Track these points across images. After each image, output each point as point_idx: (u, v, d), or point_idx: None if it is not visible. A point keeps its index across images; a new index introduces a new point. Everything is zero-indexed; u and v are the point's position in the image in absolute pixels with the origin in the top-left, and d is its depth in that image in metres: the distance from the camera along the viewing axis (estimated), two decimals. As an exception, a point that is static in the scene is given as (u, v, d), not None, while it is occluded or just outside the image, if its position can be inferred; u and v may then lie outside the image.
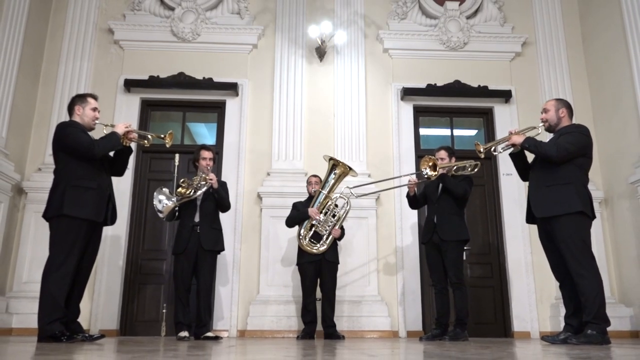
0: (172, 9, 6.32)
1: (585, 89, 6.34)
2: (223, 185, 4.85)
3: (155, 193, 4.58)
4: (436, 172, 4.47)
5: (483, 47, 6.42)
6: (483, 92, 6.21)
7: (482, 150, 4.01)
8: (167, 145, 4.09)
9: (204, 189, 4.56)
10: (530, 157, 3.99)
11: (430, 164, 4.50)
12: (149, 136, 4.09)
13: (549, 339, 3.72)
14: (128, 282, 5.60)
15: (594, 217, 3.78)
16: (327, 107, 6.17)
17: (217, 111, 6.26)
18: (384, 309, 5.49)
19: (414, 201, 4.93)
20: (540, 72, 6.36)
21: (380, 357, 2.34)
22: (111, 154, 3.96)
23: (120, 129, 3.84)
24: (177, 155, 5.54)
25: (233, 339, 4.80)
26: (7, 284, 5.38)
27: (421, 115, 6.38)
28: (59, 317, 3.47)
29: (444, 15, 6.46)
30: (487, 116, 6.38)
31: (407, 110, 6.22)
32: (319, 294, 4.96)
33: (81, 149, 3.66)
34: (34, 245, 5.37)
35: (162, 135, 4.06)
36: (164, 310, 5.46)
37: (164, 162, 5.99)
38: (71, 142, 3.68)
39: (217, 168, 5.71)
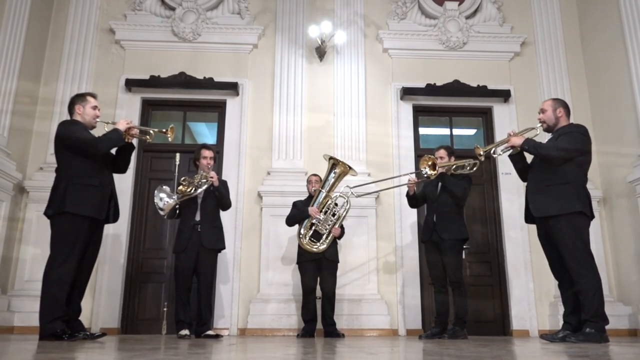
0: (172, 9, 6.34)
1: (584, 88, 6.36)
2: (224, 184, 4.86)
3: (156, 191, 4.59)
4: (435, 171, 4.49)
5: (482, 47, 6.45)
6: (482, 91, 6.23)
7: (482, 153, 4.03)
8: (170, 139, 4.10)
9: (204, 187, 4.57)
10: (529, 157, 4.00)
11: (430, 163, 4.52)
12: (151, 131, 4.10)
13: (547, 337, 3.73)
14: (129, 281, 5.63)
15: (592, 216, 3.79)
16: (327, 107, 6.19)
17: (217, 111, 6.28)
18: (384, 308, 5.51)
19: (413, 200, 4.95)
20: (539, 72, 6.37)
21: (380, 355, 2.36)
22: (113, 151, 3.97)
23: (122, 125, 3.85)
24: (177, 155, 5.56)
25: (233, 337, 4.82)
26: (9, 282, 5.40)
27: (421, 114, 6.41)
28: (60, 316, 3.49)
29: (443, 15, 6.48)
30: (486, 116, 6.40)
31: (406, 110, 6.24)
32: (319, 292, 4.97)
33: (84, 146, 3.68)
34: (36, 244, 5.39)
35: (164, 130, 4.06)
36: (165, 309, 5.49)
37: (164, 162, 6.01)
38: (74, 140, 3.69)
39: (218, 167, 5.73)
